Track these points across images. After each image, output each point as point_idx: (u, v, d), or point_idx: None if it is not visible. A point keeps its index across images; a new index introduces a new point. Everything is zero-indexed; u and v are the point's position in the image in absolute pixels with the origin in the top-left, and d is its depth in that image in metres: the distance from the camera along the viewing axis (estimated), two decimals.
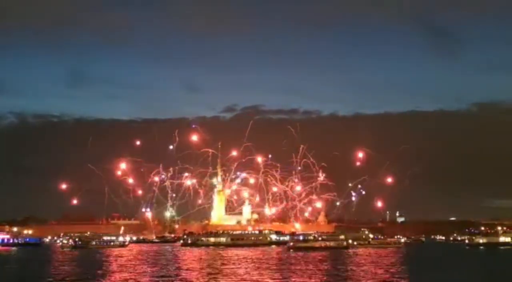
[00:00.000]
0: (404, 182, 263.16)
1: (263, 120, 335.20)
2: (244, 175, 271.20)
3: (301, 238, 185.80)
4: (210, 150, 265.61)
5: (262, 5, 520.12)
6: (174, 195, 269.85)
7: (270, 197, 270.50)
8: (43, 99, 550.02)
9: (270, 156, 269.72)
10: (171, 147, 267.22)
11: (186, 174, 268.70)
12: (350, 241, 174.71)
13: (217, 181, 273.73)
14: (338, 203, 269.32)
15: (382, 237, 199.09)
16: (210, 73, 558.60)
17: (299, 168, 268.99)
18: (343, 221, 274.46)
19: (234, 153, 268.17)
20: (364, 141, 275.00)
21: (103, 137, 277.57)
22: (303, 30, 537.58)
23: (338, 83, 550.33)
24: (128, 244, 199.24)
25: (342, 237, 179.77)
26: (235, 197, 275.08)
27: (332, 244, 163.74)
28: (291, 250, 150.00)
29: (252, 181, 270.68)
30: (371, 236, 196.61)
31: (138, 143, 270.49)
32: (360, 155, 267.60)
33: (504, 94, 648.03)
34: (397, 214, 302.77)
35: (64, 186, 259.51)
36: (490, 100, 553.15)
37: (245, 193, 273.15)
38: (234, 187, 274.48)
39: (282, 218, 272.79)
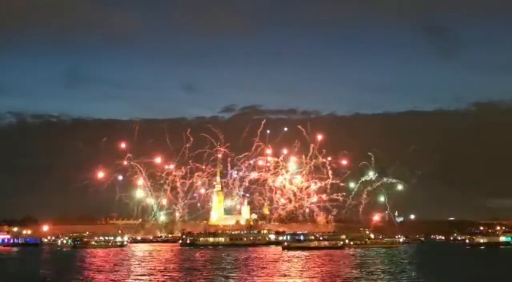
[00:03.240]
0: (411, 181, 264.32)
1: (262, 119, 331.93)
2: (255, 174, 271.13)
3: (301, 237, 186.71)
4: (222, 149, 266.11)
5: (261, 5, 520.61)
6: (184, 195, 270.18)
7: (279, 197, 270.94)
8: (42, 99, 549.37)
9: (281, 156, 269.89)
10: (187, 145, 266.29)
11: (198, 173, 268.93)
12: (347, 241, 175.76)
13: (216, 181, 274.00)
14: (347, 203, 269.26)
15: (380, 237, 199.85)
16: (209, 73, 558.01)
17: (310, 168, 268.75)
18: (343, 221, 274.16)
19: (242, 153, 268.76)
20: (367, 141, 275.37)
21: (109, 137, 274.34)
22: (301, 30, 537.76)
23: (337, 83, 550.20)
24: (127, 244, 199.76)
25: (343, 237, 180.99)
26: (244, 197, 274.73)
27: (327, 243, 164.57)
28: (286, 250, 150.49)
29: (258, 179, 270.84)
30: (372, 236, 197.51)
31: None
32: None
33: (503, 94, 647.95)
34: (396, 214, 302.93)
35: (73, 186, 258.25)
36: (489, 100, 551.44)
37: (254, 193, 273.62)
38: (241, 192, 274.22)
39: (291, 218, 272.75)
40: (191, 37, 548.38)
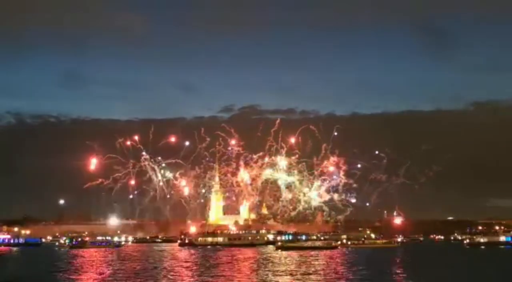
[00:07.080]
0: (419, 181, 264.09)
1: (264, 120, 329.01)
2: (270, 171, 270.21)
3: (303, 237, 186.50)
4: (236, 148, 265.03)
5: (259, 6, 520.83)
6: (197, 194, 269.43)
7: (289, 197, 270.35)
8: (40, 99, 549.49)
9: (295, 156, 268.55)
10: (203, 145, 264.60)
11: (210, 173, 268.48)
12: (345, 241, 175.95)
13: (214, 180, 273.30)
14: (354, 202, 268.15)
15: (380, 237, 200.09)
16: (207, 73, 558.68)
17: (321, 169, 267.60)
18: (351, 221, 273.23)
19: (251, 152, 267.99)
20: (367, 141, 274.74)
21: (112, 136, 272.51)
22: (300, 30, 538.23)
23: (335, 83, 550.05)
24: (124, 244, 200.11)
25: (343, 236, 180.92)
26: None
27: (320, 243, 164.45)
28: (279, 250, 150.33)
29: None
30: (372, 235, 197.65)
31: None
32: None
33: (501, 94, 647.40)
34: (395, 214, 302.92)
35: (74, 186, 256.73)
36: (487, 99, 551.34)
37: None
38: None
39: (300, 218, 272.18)
40: (189, 37, 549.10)
